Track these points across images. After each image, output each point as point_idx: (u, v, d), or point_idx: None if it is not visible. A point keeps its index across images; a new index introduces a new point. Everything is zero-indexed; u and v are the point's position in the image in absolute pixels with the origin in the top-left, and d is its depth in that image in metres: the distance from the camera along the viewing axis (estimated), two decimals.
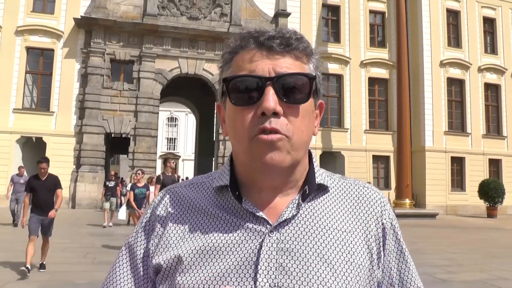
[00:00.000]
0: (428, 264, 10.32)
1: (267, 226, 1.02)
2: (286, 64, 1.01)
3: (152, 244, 1.08)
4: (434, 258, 11.28)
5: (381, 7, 31.37)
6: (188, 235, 1.05)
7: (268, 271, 0.97)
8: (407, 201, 25.55)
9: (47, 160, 8.89)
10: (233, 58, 1.05)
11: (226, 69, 1.07)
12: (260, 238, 1.01)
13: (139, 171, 13.47)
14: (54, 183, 8.73)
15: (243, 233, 1.02)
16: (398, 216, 23.65)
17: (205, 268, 0.99)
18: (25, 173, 16.06)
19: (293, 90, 1.00)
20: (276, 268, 0.98)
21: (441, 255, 11.98)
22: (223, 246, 1.00)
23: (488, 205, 27.45)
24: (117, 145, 31.03)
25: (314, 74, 1.04)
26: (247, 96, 0.99)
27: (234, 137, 1.03)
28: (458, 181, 30.09)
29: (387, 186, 29.34)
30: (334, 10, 30.56)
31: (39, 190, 8.53)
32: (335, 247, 1.03)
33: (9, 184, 16.23)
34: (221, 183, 1.07)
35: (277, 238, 1.01)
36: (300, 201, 1.06)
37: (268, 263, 0.98)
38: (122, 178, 29.74)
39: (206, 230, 1.04)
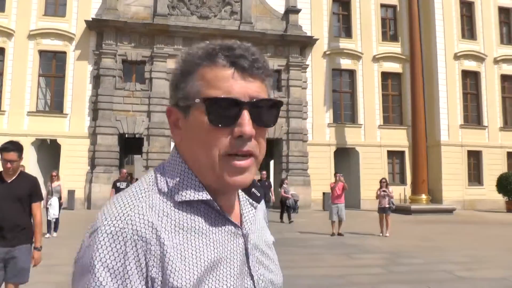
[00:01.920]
0: (447, 261, 10.14)
1: (239, 227, 1.09)
2: (257, 88, 1.03)
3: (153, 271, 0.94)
4: (453, 255, 11.09)
5: (392, 0, 31.02)
6: (191, 259, 0.98)
7: (256, 268, 1.09)
8: (423, 196, 25.29)
9: (16, 148, 4.95)
10: (197, 70, 1.04)
11: (188, 79, 1.05)
12: (241, 239, 1.08)
13: None
14: (28, 188, 4.90)
15: (230, 240, 1.06)
16: (415, 212, 23.51)
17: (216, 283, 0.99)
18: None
19: (264, 115, 1.04)
20: (258, 263, 1.11)
21: (460, 251, 11.77)
22: (221, 258, 1.02)
23: (507, 199, 27.03)
24: (131, 145, 31.07)
25: (281, 101, 1.09)
26: (223, 117, 1.00)
27: (202, 150, 1.02)
28: (475, 175, 29.67)
29: (402, 181, 29.06)
30: (345, 5, 30.29)
31: None
32: (269, 237, 1.24)
33: None
34: (199, 197, 1.03)
35: (250, 237, 1.11)
36: (252, 201, 1.20)
37: (254, 261, 1.09)
38: (136, 178, 29.81)
39: (204, 248, 1.01)
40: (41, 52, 25.81)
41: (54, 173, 14.62)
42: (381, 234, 14.97)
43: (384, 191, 15.60)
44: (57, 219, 14.02)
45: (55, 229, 13.99)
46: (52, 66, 26.26)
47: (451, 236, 15.31)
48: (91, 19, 25.21)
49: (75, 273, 0.95)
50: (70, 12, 26.22)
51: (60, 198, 14.46)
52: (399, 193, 26.81)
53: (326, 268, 9.15)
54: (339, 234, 14.81)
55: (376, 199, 15.83)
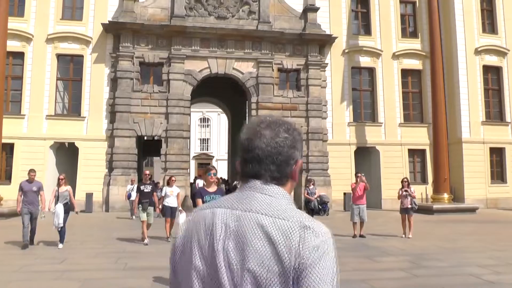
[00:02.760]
0: (473, 264, 9.83)
1: None
2: None
3: None
4: (479, 257, 10.77)
5: None
6: None
7: None
8: (446, 195, 24.86)
9: None
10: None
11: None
12: None
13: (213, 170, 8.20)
14: None
15: None
16: (437, 211, 23.10)
17: None
18: (36, 179, 12.89)
19: None
20: None
21: (486, 253, 11.44)
22: None
23: None
24: (149, 147, 31.14)
25: None
26: None
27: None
28: (498, 173, 29.05)
29: (424, 180, 28.58)
30: (363, 2, 29.89)
31: None
32: None
33: (18, 194, 12.66)
34: None
35: None
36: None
37: None
38: (157, 182, 29.89)
39: None
40: (58, 56, 25.93)
41: (61, 177, 12.89)
42: (403, 236, 14.64)
43: (406, 191, 15.26)
44: (62, 228, 12.14)
45: (61, 240, 12.17)
46: (70, 69, 26.38)
47: (475, 237, 14.93)
48: (107, 22, 25.23)
49: (317, 255, 1.28)
50: (87, 16, 26.31)
51: (66, 205, 12.44)
52: (421, 192, 26.38)
53: (348, 272, 8.90)
54: (361, 236, 14.53)
55: (398, 199, 15.50)
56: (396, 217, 19.30)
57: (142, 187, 13.73)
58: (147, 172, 14.56)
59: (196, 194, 7.76)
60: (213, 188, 7.68)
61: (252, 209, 1.36)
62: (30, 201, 12.37)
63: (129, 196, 21.55)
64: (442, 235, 15.31)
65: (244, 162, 1.47)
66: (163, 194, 14.39)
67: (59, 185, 12.63)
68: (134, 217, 20.27)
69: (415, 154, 29.06)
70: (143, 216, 13.32)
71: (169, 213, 13.82)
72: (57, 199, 12.46)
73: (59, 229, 12.09)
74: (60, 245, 12.07)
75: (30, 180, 12.58)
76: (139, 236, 14.50)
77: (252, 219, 1.33)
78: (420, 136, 28.93)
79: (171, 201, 13.92)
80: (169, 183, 14.57)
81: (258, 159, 1.43)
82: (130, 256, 11.02)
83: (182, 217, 13.43)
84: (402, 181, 15.79)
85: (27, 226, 12.15)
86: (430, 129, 28.01)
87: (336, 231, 15.88)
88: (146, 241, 12.94)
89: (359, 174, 15.59)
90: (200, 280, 1.34)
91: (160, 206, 14.14)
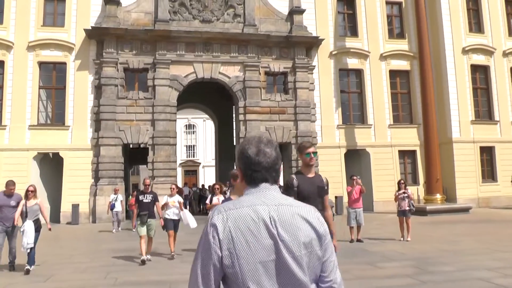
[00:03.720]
0: (480, 267, 9.43)
1: None
2: None
3: None
4: (484, 259, 10.39)
5: None
6: None
7: None
8: (438, 196, 24.56)
9: None
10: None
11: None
12: None
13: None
14: None
15: None
16: (430, 212, 22.78)
17: None
18: (16, 192, 10.77)
19: None
20: None
21: (490, 255, 11.07)
22: None
23: None
24: (135, 155, 30.49)
25: None
26: None
27: None
28: (488, 172, 28.88)
29: (415, 181, 28.28)
30: (349, 3, 29.62)
31: None
32: None
33: None
34: None
35: None
36: None
37: None
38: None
39: None
40: (40, 64, 25.24)
41: (30, 188, 10.88)
42: (402, 239, 14.26)
43: (404, 192, 14.93)
44: (32, 249, 10.27)
45: (30, 262, 10.27)
46: (53, 77, 25.68)
47: (474, 238, 14.59)
48: (90, 28, 24.63)
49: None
50: (69, 22, 25.66)
51: (37, 222, 10.61)
52: (412, 193, 26.01)
53: (352, 280, 8.44)
54: (359, 240, 14.12)
55: (395, 202, 15.13)
56: (390, 219, 18.94)
57: (141, 197, 11.98)
58: (148, 180, 12.62)
59: None
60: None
61: (280, 203, 1.93)
62: (6, 218, 10.37)
63: (112, 206, 19.99)
64: (440, 237, 14.96)
65: (254, 171, 2.01)
66: (163, 203, 12.63)
67: (27, 198, 10.67)
68: (118, 229, 19.58)
69: (406, 155, 28.79)
70: (142, 231, 11.58)
71: (171, 226, 12.17)
72: (25, 215, 10.48)
73: (29, 251, 10.21)
74: (32, 267, 10.30)
75: (9, 194, 10.54)
76: (129, 246, 13.95)
77: (287, 209, 1.90)
78: (410, 137, 28.67)
79: (173, 213, 12.30)
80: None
81: (266, 169, 2.01)
82: (120, 269, 10.47)
83: (189, 216, 12.56)
84: (398, 183, 15.49)
85: (0, 247, 10.34)
86: (420, 130, 27.81)
87: None
88: (144, 257, 11.16)
89: (355, 177, 15.22)
90: (262, 256, 1.80)
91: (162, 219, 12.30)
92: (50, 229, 11.07)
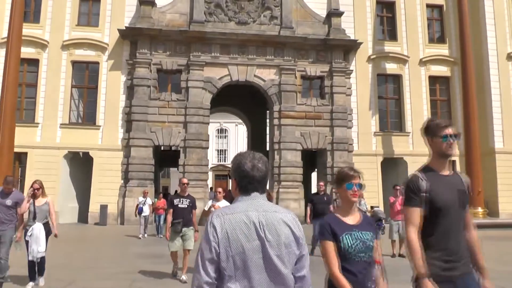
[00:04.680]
0: None
1: None
2: None
3: None
4: None
5: (438, 0, 29.31)
6: None
7: None
8: (480, 210, 23.36)
9: None
10: None
11: None
12: None
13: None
14: None
15: None
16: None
17: None
18: (14, 190, 9.11)
19: None
20: None
21: None
22: None
23: None
24: (166, 158, 30.12)
25: None
26: None
27: None
28: None
29: None
30: (389, 7, 28.70)
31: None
32: None
33: None
34: None
35: None
36: None
37: None
38: (175, 191, 28.84)
39: None
40: (74, 63, 25.11)
41: (36, 185, 8.93)
42: None
43: None
44: (42, 259, 8.66)
45: (40, 273, 8.81)
46: (85, 77, 25.52)
47: None
48: (124, 28, 24.34)
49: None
50: (103, 22, 25.51)
51: (47, 225, 8.88)
52: None
53: None
54: (401, 255, 13.23)
55: None
56: None
57: (176, 201, 9.81)
58: (185, 180, 10.34)
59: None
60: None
61: (268, 210, 2.43)
62: (1, 218, 8.58)
63: (139, 210, 18.95)
64: (490, 255, 13.94)
65: (248, 183, 2.47)
66: (206, 209, 10.91)
67: (34, 196, 8.83)
68: (144, 236, 18.43)
69: None
70: (173, 245, 9.74)
71: None
72: (33, 216, 8.73)
73: (38, 260, 8.59)
74: (41, 281, 8.80)
75: (6, 191, 8.75)
76: (156, 252, 13.35)
77: (273, 215, 2.40)
78: None
79: None
80: (215, 196, 10.42)
81: (258, 181, 2.47)
82: (146, 279, 9.81)
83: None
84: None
85: None
86: (461, 138, 26.63)
87: None
88: (183, 277, 9.47)
89: (398, 187, 14.32)
90: (252, 253, 2.29)
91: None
92: (56, 236, 9.08)
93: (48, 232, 8.83)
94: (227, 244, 2.27)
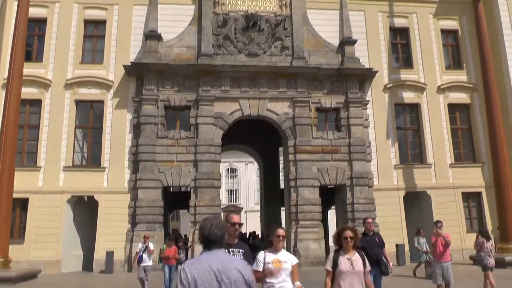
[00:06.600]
0: None
1: None
2: None
3: None
4: None
5: (452, 24, 28.17)
6: None
7: None
8: None
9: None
10: None
11: None
12: None
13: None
14: None
15: None
16: (508, 264, 19.96)
17: None
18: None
19: None
20: None
21: None
22: None
23: None
24: (176, 199, 28.77)
25: None
26: None
27: None
28: None
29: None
30: (402, 33, 27.63)
31: None
32: None
33: None
34: None
35: None
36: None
37: None
38: (185, 235, 27.46)
39: None
40: (77, 102, 24.06)
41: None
42: None
43: (492, 245, 12.71)
44: None
45: None
46: (90, 116, 24.38)
47: None
48: (129, 64, 23.34)
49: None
50: (108, 58, 24.57)
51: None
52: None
53: None
54: None
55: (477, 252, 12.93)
56: (464, 271, 16.65)
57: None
58: (237, 217, 5.76)
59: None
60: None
61: (225, 260, 3.50)
62: None
63: (139, 259, 14.97)
64: None
65: (208, 243, 3.57)
66: (259, 268, 5.93)
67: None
68: None
69: (470, 198, 25.99)
70: None
71: None
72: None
73: None
74: None
75: None
76: None
77: (229, 264, 3.46)
78: (473, 177, 25.93)
79: (283, 283, 5.98)
80: (272, 244, 6.30)
81: (216, 240, 3.57)
82: None
83: None
84: (484, 234, 13.18)
85: None
86: (485, 169, 25.44)
87: None
88: None
89: (439, 223, 12.80)
90: None
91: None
92: None
93: None
94: (193, 285, 3.36)
